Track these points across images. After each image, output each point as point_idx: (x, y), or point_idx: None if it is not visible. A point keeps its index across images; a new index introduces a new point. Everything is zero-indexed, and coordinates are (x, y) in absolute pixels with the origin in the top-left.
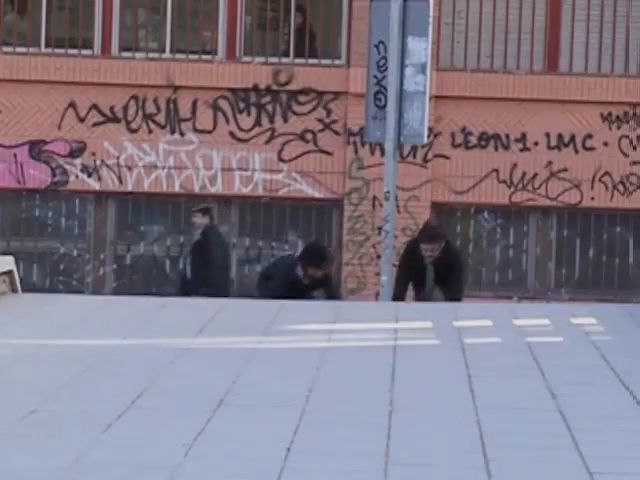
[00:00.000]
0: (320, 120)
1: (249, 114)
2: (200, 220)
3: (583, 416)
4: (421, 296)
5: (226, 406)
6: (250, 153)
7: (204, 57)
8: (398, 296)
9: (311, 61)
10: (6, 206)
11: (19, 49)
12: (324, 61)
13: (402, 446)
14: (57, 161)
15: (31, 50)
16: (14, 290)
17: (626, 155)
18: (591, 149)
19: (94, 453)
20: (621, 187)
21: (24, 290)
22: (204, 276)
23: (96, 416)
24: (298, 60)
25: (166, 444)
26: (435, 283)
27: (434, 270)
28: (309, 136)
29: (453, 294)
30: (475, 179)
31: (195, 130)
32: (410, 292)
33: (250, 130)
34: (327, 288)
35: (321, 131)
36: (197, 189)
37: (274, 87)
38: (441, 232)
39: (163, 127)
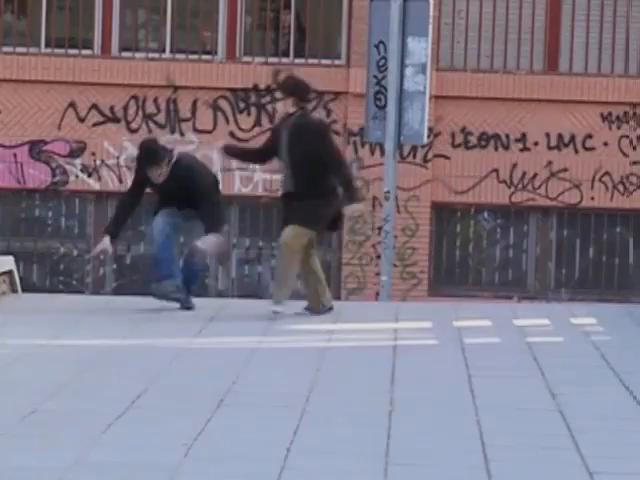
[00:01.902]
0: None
1: (249, 114)
2: None
3: (583, 416)
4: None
5: (226, 406)
6: None
7: (204, 57)
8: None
9: (311, 61)
10: (6, 206)
11: (19, 49)
12: (324, 61)
13: (402, 446)
14: (57, 161)
15: (31, 50)
16: (14, 290)
17: (626, 155)
18: (591, 149)
19: (94, 453)
20: (621, 187)
21: (24, 290)
22: None
23: (96, 416)
24: (298, 60)
25: (166, 444)
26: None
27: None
28: None
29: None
30: (475, 179)
31: (195, 130)
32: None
33: (250, 130)
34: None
35: None
36: None
37: (274, 87)
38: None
39: (163, 127)
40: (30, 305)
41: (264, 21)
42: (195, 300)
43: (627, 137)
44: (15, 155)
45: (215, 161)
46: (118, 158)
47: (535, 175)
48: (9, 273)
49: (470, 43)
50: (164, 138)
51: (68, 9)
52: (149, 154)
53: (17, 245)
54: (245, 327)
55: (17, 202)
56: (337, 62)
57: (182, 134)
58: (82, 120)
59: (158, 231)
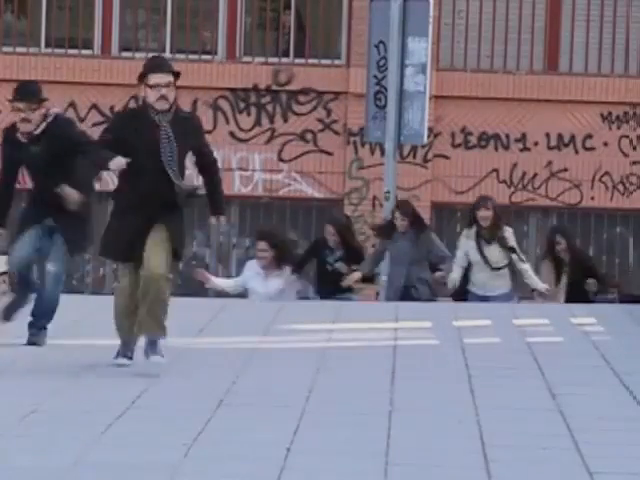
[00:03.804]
0: (320, 120)
1: (249, 114)
2: None
3: (583, 416)
4: None
5: (226, 406)
6: (250, 153)
7: (204, 57)
8: None
9: (311, 61)
10: None
11: (19, 49)
12: (324, 61)
13: (402, 446)
14: None
15: (31, 50)
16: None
17: (626, 155)
18: (591, 149)
19: (94, 453)
20: (621, 187)
21: None
22: None
23: (96, 416)
24: (298, 60)
25: (166, 444)
26: None
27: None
28: (309, 136)
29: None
30: (475, 179)
31: None
32: None
33: (250, 130)
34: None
35: (321, 131)
36: None
37: (274, 87)
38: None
39: None
40: (30, 305)
41: (264, 21)
42: (195, 300)
43: (627, 137)
44: None
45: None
46: None
47: (535, 175)
48: (9, 273)
49: (470, 43)
50: None
51: (68, 9)
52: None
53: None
54: (245, 327)
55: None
56: (337, 62)
57: None
58: (82, 120)
59: None
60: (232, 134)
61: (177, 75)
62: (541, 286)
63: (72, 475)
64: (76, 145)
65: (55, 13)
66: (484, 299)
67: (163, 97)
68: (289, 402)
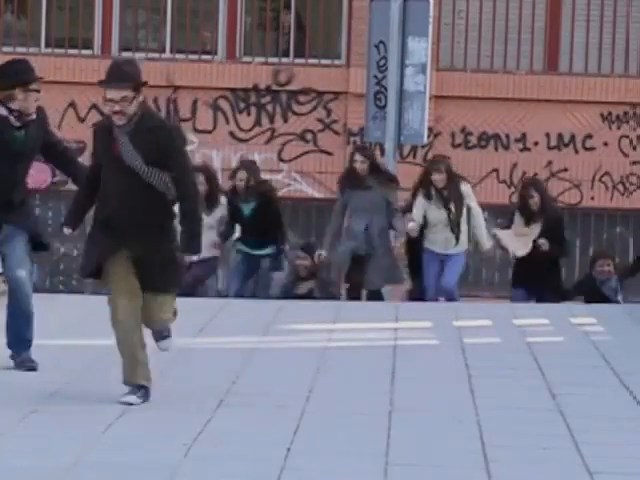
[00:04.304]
0: (320, 120)
1: (249, 114)
2: None
3: (583, 416)
4: None
5: (226, 406)
6: (250, 153)
7: (204, 57)
8: None
9: (311, 61)
10: None
11: (19, 49)
12: (324, 61)
13: (402, 446)
14: None
15: (31, 50)
16: None
17: (626, 155)
18: (591, 149)
19: (94, 453)
20: (621, 187)
21: None
22: None
23: (96, 416)
24: (298, 60)
25: (166, 444)
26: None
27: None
28: (309, 136)
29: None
30: (475, 179)
31: (195, 130)
32: None
33: (250, 130)
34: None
35: (321, 131)
36: None
37: (274, 87)
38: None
39: None
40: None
41: (264, 21)
42: (195, 300)
43: (627, 137)
44: None
45: (215, 161)
46: None
47: (535, 175)
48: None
49: (470, 43)
50: None
51: (68, 9)
52: None
53: None
54: (245, 327)
55: None
56: (337, 62)
57: None
58: (82, 120)
59: None
60: (232, 134)
61: (141, 84)
62: (485, 243)
63: (72, 475)
64: (54, 147)
65: (55, 13)
66: (441, 257)
67: (117, 113)
68: (289, 402)
